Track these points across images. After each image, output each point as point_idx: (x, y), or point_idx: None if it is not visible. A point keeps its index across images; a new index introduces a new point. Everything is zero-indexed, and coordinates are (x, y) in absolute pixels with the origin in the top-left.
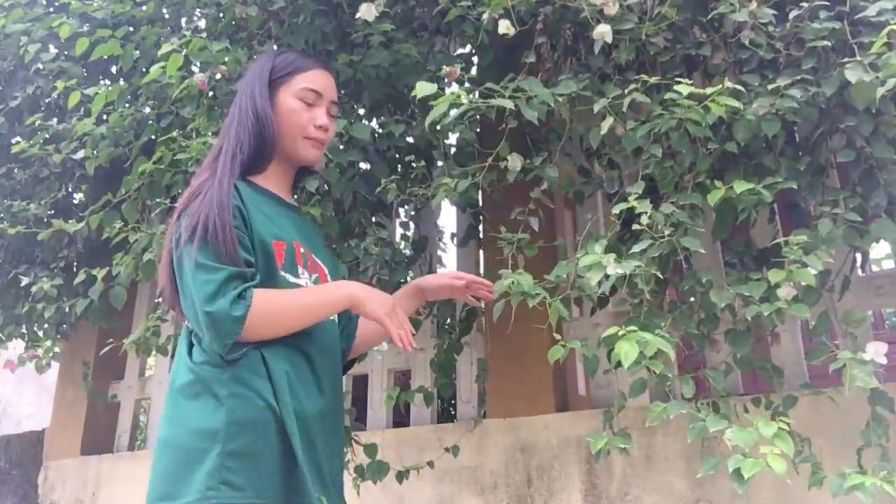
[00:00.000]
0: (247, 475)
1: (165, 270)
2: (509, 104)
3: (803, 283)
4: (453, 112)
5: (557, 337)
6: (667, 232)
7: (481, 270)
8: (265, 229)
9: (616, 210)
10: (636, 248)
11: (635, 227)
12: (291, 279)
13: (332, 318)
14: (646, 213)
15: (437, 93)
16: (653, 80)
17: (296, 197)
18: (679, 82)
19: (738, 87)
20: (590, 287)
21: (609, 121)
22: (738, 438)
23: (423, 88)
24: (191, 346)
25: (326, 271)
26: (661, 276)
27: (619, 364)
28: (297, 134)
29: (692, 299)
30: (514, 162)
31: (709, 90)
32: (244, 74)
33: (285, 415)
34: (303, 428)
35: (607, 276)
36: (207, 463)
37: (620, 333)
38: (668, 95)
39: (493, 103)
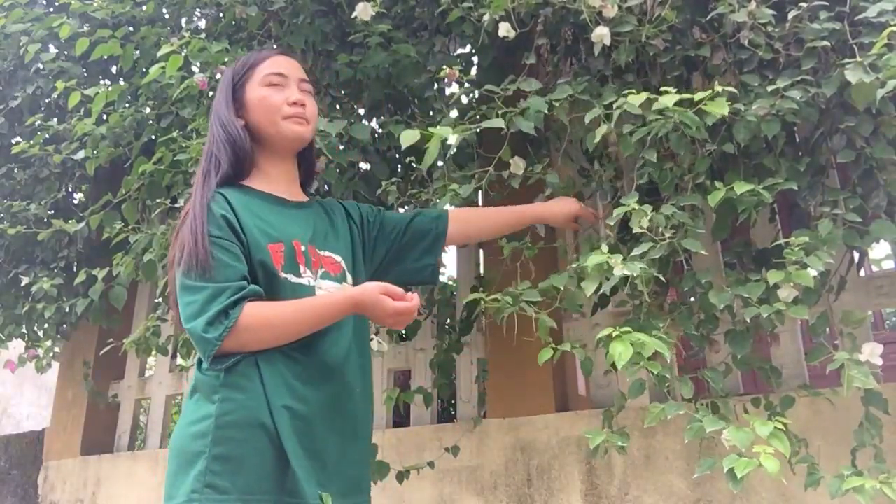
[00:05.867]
0: (232, 478)
1: (171, 288)
2: (500, 124)
3: (803, 285)
4: (451, 140)
5: (549, 340)
6: (668, 234)
7: (481, 271)
8: (260, 233)
9: (615, 214)
10: (637, 251)
11: (635, 230)
12: (293, 279)
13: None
14: (645, 216)
15: (424, 133)
16: (642, 95)
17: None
18: (666, 92)
19: (732, 89)
20: (579, 299)
21: (604, 128)
22: (735, 438)
23: (407, 137)
24: None
25: (340, 259)
26: (661, 279)
27: (614, 365)
28: (275, 118)
29: (692, 300)
30: (517, 166)
31: (698, 96)
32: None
33: (276, 416)
34: (302, 427)
35: (608, 278)
36: (197, 466)
37: (614, 334)
38: (654, 106)
39: (484, 125)
